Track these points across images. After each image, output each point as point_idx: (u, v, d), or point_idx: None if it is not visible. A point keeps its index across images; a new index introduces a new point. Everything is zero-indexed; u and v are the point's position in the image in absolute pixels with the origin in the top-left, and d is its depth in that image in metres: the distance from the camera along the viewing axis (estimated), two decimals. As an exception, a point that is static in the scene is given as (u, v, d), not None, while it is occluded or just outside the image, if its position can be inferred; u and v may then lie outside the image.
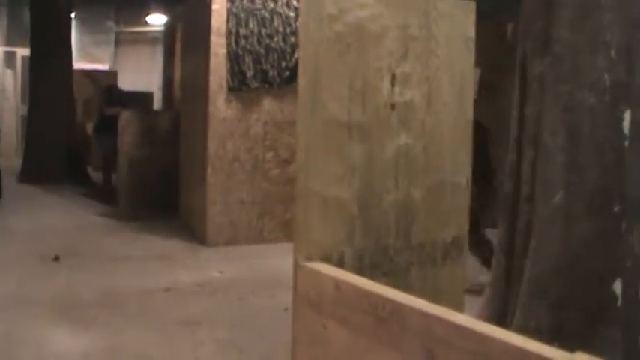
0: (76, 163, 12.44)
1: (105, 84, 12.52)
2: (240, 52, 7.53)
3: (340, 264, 2.73)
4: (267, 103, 7.77)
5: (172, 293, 5.86)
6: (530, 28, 4.28)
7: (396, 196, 3.02)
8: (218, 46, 7.49)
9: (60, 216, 9.24)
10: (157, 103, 16.64)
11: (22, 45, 15.15)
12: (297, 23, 7.46)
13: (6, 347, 4.56)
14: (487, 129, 5.20)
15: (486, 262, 5.65)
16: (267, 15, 7.62)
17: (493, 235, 4.81)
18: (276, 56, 7.69)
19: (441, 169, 3.24)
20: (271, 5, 7.64)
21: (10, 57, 16.39)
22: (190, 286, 6.11)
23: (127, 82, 14.57)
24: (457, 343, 2.00)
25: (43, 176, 11.72)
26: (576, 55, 4.00)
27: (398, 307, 2.18)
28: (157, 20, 17.47)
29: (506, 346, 1.87)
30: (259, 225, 7.84)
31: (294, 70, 7.51)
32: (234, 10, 7.50)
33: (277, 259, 6.81)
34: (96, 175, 12.27)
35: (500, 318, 4.27)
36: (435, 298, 2.67)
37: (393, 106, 2.98)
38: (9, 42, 16.79)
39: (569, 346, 2.00)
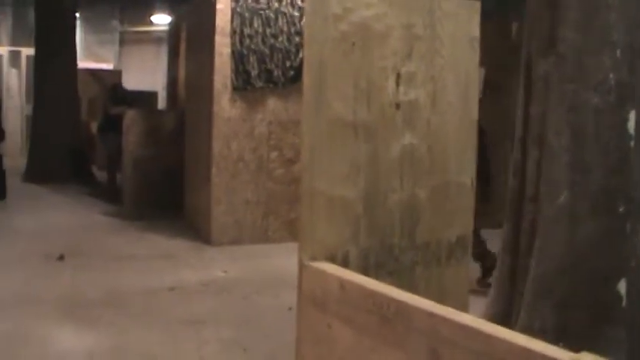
0: (81, 163, 12.45)
1: (109, 83, 12.52)
2: (245, 52, 7.53)
3: (345, 263, 2.73)
4: (272, 103, 7.77)
5: (177, 292, 5.87)
6: (535, 28, 4.27)
7: (400, 195, 3.02)
8: (222, 45, 7.49)
9: (65, 215, 9.24)
10: (162, 103, 16.65)
11: (26, 44, 15.16)
12: (302, 23, 7.47)
13: (11, 346, 4.56)
14: (484, 131, 5.19)
15: (478, 258, 5.69)
16: (271, 14, 7.62)
17: (496, 235, 4.80)
18: (280, 56, 7.69)
19: (446, 169, 3.24)
20: (276, 5, 7.63)
21: (14, 56, 16.40)
22: (195, 285, 6.11)
23: (131, 82, 14.57)
24: (462, 343, 2.00)
25: (48, 175, 11.73)
26: (581, 55, 3.99)
27: (403, 307, 2.18)
28: (161, 20, 17.49)
29: (511, 346, 1.87)
30: (264, 224, 7.84)
31: (298, 70, 7.51)
32: (238, 9, 7.49)
33: (282, 259, 6.81)
34: (100, 175, 12.26)
35: (505, 318, 4.27)
36: (440, 297, 2.67)
37: (397, 106, 2.98)
38: (14, 41, 16.81)
39: (574, 346, 2.00)
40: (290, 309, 4.90)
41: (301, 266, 2.65)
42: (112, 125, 10.06)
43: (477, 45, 3.37)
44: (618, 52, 3.93)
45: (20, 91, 16.41)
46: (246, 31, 7.52)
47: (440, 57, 3.15)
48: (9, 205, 9.90)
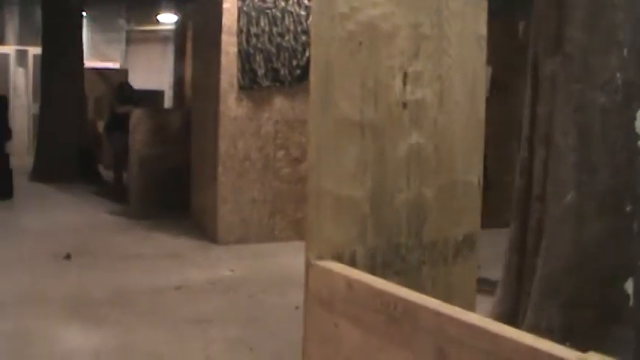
0: (88, 162, 12.47)
1: (116, 82, 12.53)
2: (252, 51, 7.54)
3: (352, 263, 2.73)
4: (279, 102, 7.77)
5: (183, 291, 5.87)
6: (542, 28, 4.27)
7: (407, 194, 3.02)
8: (229, 44, 7.50)
9: (71, 214, 9.26)
10: (168, 102, 16.67)
11: (33, 44, 15.19)
12: (309, 22, 7.47)
13: (18, 345, 4.57)
14: None
15: None
16: (278, 13, 7.62)
17: (502, 234, 4.80)
18: (287, 55, 7.69)
19: (453, 168, 3.23)
20: (282, 4, 7.64)
21: (21, 55, 16.43)
22: (201, 284, 6.12)
23: (137, 81, 14.59)
24: (469, 342, 2.00)
25: (55, 174, 11.75)
26: (588, 55, 3.99)
27: (410, 307, 2.18)
28: (167, 19, 17.51)
29: (518, 346, 1.87)
30: (270, 223, 7.85)
31: (305, 69, 7.51)
32: (245, 8, 7.50)
33: (288, 258, 6.81)
34: (107, 174, 12.29)
35: (512, 317, 4.27)
36: (447, 296, 2.67)
37: (404, 105, 2.97)
38: (21, 41, 16.84)
39: (581, 346, 1.99)
40: (296, 308, 4.90)
41: (308, 265, 2.65)
42: (119, 124, 10.07)
43: (484, 44, 3.36)
44: (625, 51, 3.92)
45: (27, 90, 16.44)
46: (253, 30, 7.53)
47: (447, 56, 3.15)
48: (16, 204, 9.92)
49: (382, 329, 2.27)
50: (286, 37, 7.67)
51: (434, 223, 3.14)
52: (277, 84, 7.71)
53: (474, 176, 3.35)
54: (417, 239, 3.07)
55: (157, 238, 7.93)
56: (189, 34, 10.47)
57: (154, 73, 18.00)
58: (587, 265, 3.96)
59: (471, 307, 3.22)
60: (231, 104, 7.55)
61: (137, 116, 9.21)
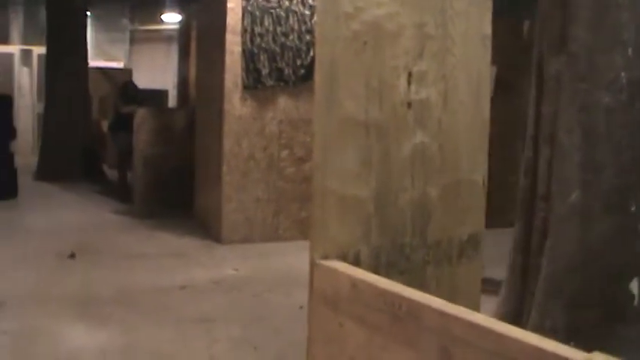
0: (92, 161, 12.50)
1: (120, 82, 12.54)
2: (256, 51, 7.54)
3: (356, 262, 2.73)
4: (283, 102, 7.78)
5: (187, 291, 5.88)
6: (547, 27, 4.27)
7: (412, 194, 3.01)
8: (233, 44, 7.50)
9: (75, 213, 9.27)
10: (172, 101, 16.69)
11: (38, 43, 15.23)
12: (313, 21, 7.48)
13: (23, 343, 4.58)
14: None
15: None
16: (282, 13, 7.63)
17: (507, 234, 4.80)
18: (291, 54, 7.69)
19: (458, 168, 3.23)
20: (286, 3, 7.64)
21: (26, 55, 16.46)
22: (205, 283, 6.12)
23: (142, 80, 14.59)
24: (473, 342, 1.99)
25: (59, 174, 11.77)
26: (593, 54, 3.99)
27: (414, 306, 2.18)
28: (171, 18, 17.52)
29: (523, 346, 1.87)
30: (275, 223, 7.85)
31: (309, 69, 7.52)
32: (249, 8, 7.50)
33: (292, 257, 6.82)
34: (111, 173, 12.30)
35: (516, 317, 4.27)
36: (451, 296, 2.67)
37: (409, 105, 2.97)
38: (25, 40, 16.87)
39: (586, 345, 1.99)
40: (301, 307, 4.91)
41: (312, 265, 2.64)
42: (123, 124, 10.08)
43: (488, 44, 3.36)
44: (630, 50, 3.92)
45: (32, 89, 16.47)
46: (257, 29, 7.53)
47: (451, 56, 3.15)
48: (20, 204, 9.94)
49: (387, 329, 2.27)
50: (290, 37, 7.67)
51: (438, 223, 3.14)
52: (281, 83, 7.71)
53: (479, 175, 3.35)
54: (421, 239, 3.07)
55: (161, 238, 7.94)
56: (194, 33, 10.49)
57: (158, 72, 18.01)
58: (592, 265, 3.96)
59: (475, 307, 3.21)
60: (236, 104, 7.56)
61: (141, 116, 9.21)
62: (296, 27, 7.68)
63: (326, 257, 2.63)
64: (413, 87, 2.98)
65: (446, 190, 3.17)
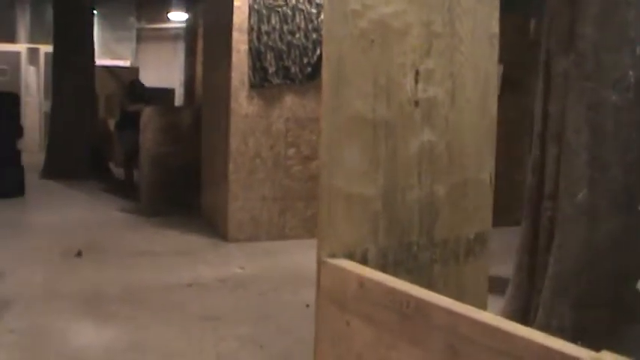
0: (99, 159, 12.52)
1: (127, 80, 12.56)
2: (262, 49, 7.54)
3: (364, 261, 2.73)
4: (289, 100, 7.77)
5: (194, 289, 5.88)
6: (554, 25, 4.26)
7: (419, 192, 3.01)
8: (240, 42, 7.50)
9: (82, 211, 9.28)
10: (179, 100, 16.70)
11: (45, 42, 15.25)
12: (320, 19, 7.48)
13: (30, 341, 4.59)
14: None
15: None
16: (289, 11, 7.62)
17: (514, 233, 4.79)
18: (298, 53, 7.69)
19: (465, 166, 3.23)
20: (293, 1, 7.63)
21: (33, 53, 16.49)
22: (212, 281, 6.12)
23: (148, 79, 14.62)
24: (481, 340, 1.99)
25: (66, 172, 11.78)
26: (600, 53, 3.98)
27: (422, 305, 2.18)
28: (178, 17, 17.54)
29: (530, 344, 1.87)
30: (281, 221, 7.85)
31: (316, 67, 7.52)
32: (256, 6, 7.50)
33: (299, 256, 6.82)
34: (118, 171, 12.31)
35: (523, 316, 4.26)
36: (458, 294, 2.67)
37: (416, 103, 2.97)
38: (32, 39, 16.91)
39: (593, 345, 1.99)
40: (307, 306, 4.91)
41: (319, 263, 2.64)
42: (130, 122, 10.10)
43: (496, 42, 3.36)
44: (637, 49, 3.91)
45: (38, 88, 16.51)
46: (264, 27, 7.53)
47: (459, 54, 3.14)
48: (27, 201, 9.96)
49: (394, 327, 2.27)
50: (297, 35, 7.67)
51: (445, 221, 3.14)
52: (288, 82, 7.70)
53: (486, 174, 3.35)
54: (428, 237, 3.06)
55: (167, 236, 7.95)
56: (200, 32, 10.50)
57: (164, 71, 18.02)
58: (600, 264, 3.95)
59: (482, 305, 3.21)
60: (242, 102, 7.56)
61: (148, 114, 9.22)
62: (303, 25, 7.67)
63: (333, 255, 2.63)
64: (420, 85, 2.98)
65: (453, 189, 3.16)
